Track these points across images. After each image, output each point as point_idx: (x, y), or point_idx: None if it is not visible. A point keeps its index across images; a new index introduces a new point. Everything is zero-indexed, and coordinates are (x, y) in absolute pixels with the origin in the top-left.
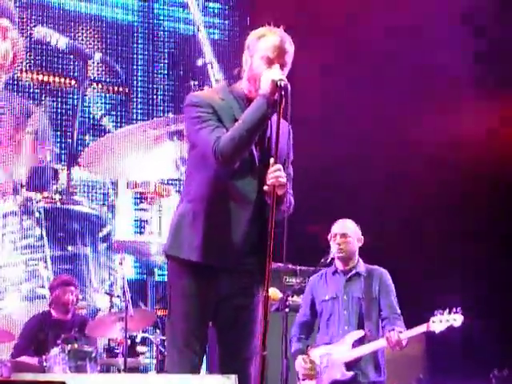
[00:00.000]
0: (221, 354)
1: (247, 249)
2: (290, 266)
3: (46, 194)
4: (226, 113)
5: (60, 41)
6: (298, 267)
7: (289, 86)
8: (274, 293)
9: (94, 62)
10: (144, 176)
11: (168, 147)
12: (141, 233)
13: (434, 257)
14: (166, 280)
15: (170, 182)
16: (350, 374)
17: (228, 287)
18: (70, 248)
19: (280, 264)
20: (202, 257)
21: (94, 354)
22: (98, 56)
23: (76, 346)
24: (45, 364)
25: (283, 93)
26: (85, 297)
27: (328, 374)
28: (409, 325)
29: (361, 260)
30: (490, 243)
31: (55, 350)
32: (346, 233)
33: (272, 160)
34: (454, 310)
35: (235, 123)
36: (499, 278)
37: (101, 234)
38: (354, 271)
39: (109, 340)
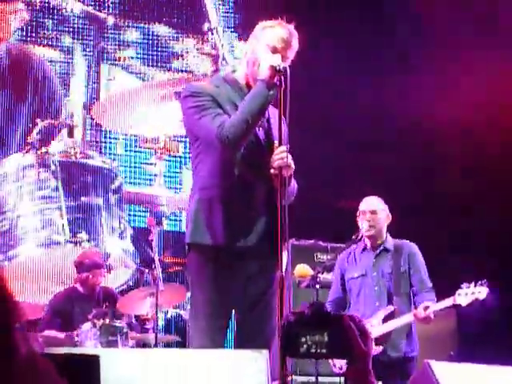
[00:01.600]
0: (240, 336)
1: (263, 230)
2: (320, 242)
3: (61, 147)
4: (225, 99)
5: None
6: (329, 244)
7: (288, 71)
8: (305, 270)
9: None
10: (154, 131)
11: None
12: (150, 185)
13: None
14: (173, 230)
15: (179, 139)
16: (380, 348)
17: (247, 271)
18: (83, 198)
19: (311, 241)
20: (225, 240)
21: (124, 330)
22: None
23: (107, 321)
24: (76, 339)
25: (282, 77)
26: (97, 243)
27: None
28: (438, 298)
29: (389, 235)
30: None
31: (86, 325)
32: (375, 209)
33: (276, 143)
34: (480, 282)
35: (235, 108)
36: None
37: (112, 186)
38: (382, 247)
39: (139, 316)
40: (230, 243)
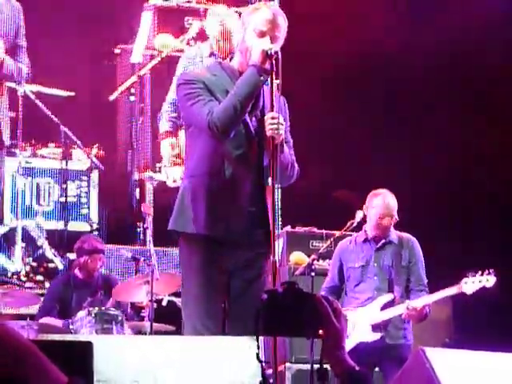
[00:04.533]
0: (232, 323)
1: (252, 220)
2: (316, 230)
3: None
4: (218, 87)
5: None
6: (324, 231)
7: (279, 55)
8: (300, 257)
9: None
10: None
11: None
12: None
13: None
14: None
15: None
16: (378, 335)
17: (237, 260)
18: None
19: (306, 228)
20: (207, 229)
21: (120, 318)
22: None
23: (102, 308)
24: (71, 327)
25: (274, 61)
26: None
27: (355, 335)
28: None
29: (392, 228)
30: None
31: (81, 313)
32: (394, 215)
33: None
34: (487, 271)
35: (227, 96)
36: None
37: None
38: (386, 239)
39: (135, 304)
40: (214, 232)
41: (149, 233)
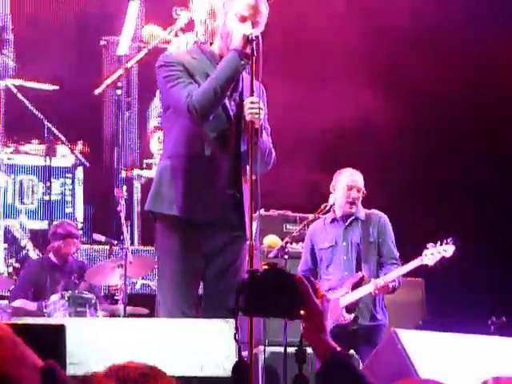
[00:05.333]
0: (208, 306)
1: (229, 202)
2: (289, 213)
3: None
4: (198, 70)
5: None
6: (298, 215)
7: (260, 40)
8: (274, 240)
9: None
10: None
11: None
12: None
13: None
14: None
15: None
16: (351, 316)
17: (213, 243)
18: None
19: (280, 211)
20: (184, 211)
21: (93, 301)
22: None
23: (76, 292)
24: (44, 310)
25: (254, 46)
26: None
27: (329, 318)
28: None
29: (360, 205)
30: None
31: (55, 297)
32: (361, 188)
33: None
34: (446, 241)
35: (207, 79)
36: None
37: None
38: (353, 217)
39: (108, 287)
40: (190, 214)
41: (122, 215)
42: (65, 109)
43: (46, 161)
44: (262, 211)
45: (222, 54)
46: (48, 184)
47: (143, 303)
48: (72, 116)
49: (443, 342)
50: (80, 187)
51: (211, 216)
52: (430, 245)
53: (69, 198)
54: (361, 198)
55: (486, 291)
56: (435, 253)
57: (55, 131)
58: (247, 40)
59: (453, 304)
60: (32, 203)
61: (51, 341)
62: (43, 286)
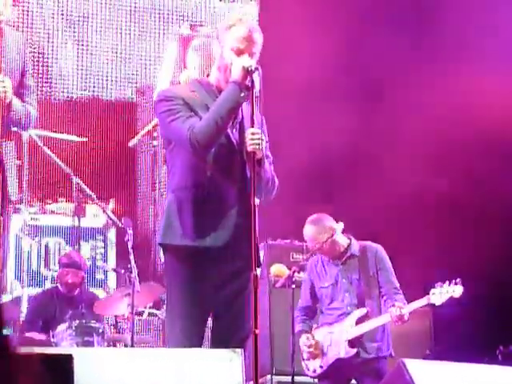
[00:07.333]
0: (216, 336)
1: (238, 231)
2: (296, 242)
3: None
4: (198, 103)
5: None
6: (305, 244)
7: (260, 71)
8: (281, 269)
9: None
10: None
11: None
12: None
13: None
14: None
15: None
16: (354, 350)
17: (223, 272)
18: None
19: (287, 241)
20: (193, 241)
21: (101, 330)
22: None
23: (83, 321)
24: (52, 340)
25: (254, 77)
26: None
27: (332, 352)
28: (413, 297)
29: (352, 239)
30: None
31: (62, 326)
32: (319, 238)
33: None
34: (454, 281)
35: (207, 111)
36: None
37: None
38: (348, 253)
39: (115, 316)
40: (201, 243)
41: (130, 244)
42: (95, 163)
43: (74, 221)
44: (268, 240)
45: (220, 86)
46: (77, 247)
47: (151, 332)
48: (103, 171)
49: (451, 372)
50: (112, 251)
51: (220, 245)
52: (437, 284)
53: (100, 263)
54: (334, 240)
55: (493, 320)
56: (443, 292)
57: (84, 188)
58: (247, 72)
59: (460, 333)
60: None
61: (59, 371)
62: (52, 317)
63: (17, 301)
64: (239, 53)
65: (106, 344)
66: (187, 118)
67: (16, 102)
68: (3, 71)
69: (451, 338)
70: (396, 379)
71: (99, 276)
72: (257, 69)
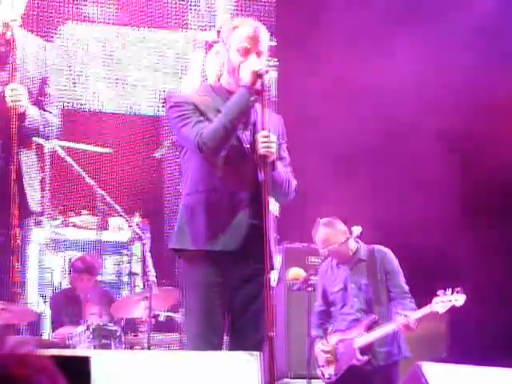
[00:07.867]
0: (233, 339)
1: (252, 234)
2: (313, 245)
3: None
4: (209, 107)
5: None
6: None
7: (270, 72)
8: (298, 272)
9: None
10: None
11: None
12: None
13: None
14: None
15: None
16: (365, 358)
17: (238, 275)
18: None
19: (304, 244)
20: (206, 245)
21: (118, 333)
22: None
23: (101, 324)
24: (69, 342)
25: (265, 80)
26: None
27: (344, 359)
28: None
29: (360, 243)
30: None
31: (79, 328)
32: (334, 242)
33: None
34: (456, 290)
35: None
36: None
37: None
38: (355, 258)
39: (133, 319)
40: (214, 247)
41: (147, 248)
42: (120, 174)
43: (98, 235)
44: (285, 244)
45: (231, 89)
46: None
47: (168, 335)
48: (128, 183)
49: (468, 375)
50: (138, 265)
51: (234, 248)
52: (440, 292)
53: (125, 279)
54: (345, 245)
55: (510, 322)
56: (446, 301)
57: (109, 200)
58: (257, 75)
59: (477, 336)
60: None
61: (76, 372)
62: (74, 315)
63: (40, 320)
64: (246, 53)
65: (123, 347)
66: (197, 123)
67: (33, 111)
68: (20, 79)
69: (468, 340)
70: (412, 383)
71: (125, 293)
72: (267, 71)
